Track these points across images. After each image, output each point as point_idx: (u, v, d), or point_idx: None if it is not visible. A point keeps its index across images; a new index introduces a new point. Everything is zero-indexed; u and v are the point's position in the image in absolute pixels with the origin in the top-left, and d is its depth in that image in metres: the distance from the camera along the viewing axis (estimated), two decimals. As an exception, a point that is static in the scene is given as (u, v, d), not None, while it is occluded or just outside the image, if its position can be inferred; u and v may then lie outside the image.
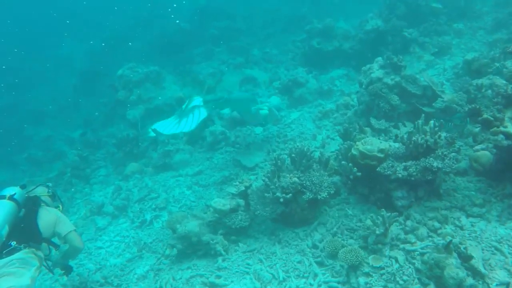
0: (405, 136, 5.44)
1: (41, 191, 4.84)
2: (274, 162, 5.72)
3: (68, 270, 4.93)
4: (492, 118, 5.13)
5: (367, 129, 6.96)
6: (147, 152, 9.93)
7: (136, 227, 7.49)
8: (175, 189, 8.23)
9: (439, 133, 5.21)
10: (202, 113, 7.55)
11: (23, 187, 4.50)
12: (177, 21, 17.59)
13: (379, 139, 6.50)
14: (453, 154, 5.14)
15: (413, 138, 5.20)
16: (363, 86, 7.78)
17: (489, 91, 7.08)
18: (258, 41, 16.03)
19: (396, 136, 6.18)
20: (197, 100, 7.85)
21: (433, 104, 7.32)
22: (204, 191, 7.83)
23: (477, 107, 5.27)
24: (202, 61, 14.50)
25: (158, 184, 8.66)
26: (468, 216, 5.08)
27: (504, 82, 6.69)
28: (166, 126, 7.67)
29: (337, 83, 11.02)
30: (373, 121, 7.01)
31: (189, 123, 7.40)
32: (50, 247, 4.41)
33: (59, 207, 4.95)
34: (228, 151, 9.04)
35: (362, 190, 5.89)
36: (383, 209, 4.94)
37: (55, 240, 4.52)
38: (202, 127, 9.72)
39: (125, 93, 11.52)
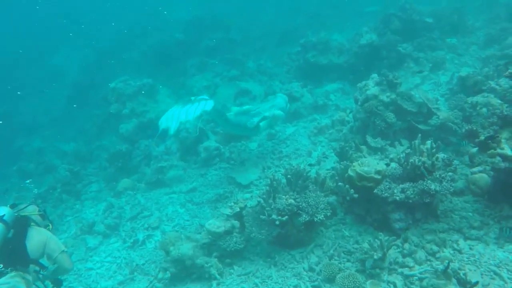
0: (402, 157, 5.38)
1: (31, 210, 4.64)
2: (269, 183, 5.64)
3: (58, 284, 4.79)
4: (489, 141, 5.09)
5: (363, 147, 6.91)
6: (139, 167, 9.79)
7: (128, 247, 7.34)
8: (168, 207, 8.10)
9: (437, 155, 5.16)
10: (209, 104, 7.42)
11: (13, 206, 4.38)
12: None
13: (375, 159, 6.50)
14: (450, 173, 5.10)
15: (411, 160, 5.15)
16: (359, 103, 7.73)
17: (484, 109, 7.07)
18: (253, 52, 16.01)
19: (392, 159, 6.15)
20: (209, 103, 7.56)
21: (429, 121, 7.29)
22: (198, 209, 7.71)
23: (474, 128, 5.24)
24: (197, 73, 14.39)
25: (151, 201, 8.53)
26: (466, 238, 5.03)
27: (499, 101, 6.69)
28: (171, 116, 7.52)
29: (332, 97, 10.99)
30: (369, 139, 6.96)
31: (192, 110, 7.31)
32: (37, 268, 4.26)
33: (49, 226, 4.76)
34: (222, 167, 8.94)
35: (358, 210, 5.82)
36: (381, 233, 4.88)
37: (43, 261, 4.36)
38: (196, 142, 9.63)
39: (117, 107, 11.39)
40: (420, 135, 5.84)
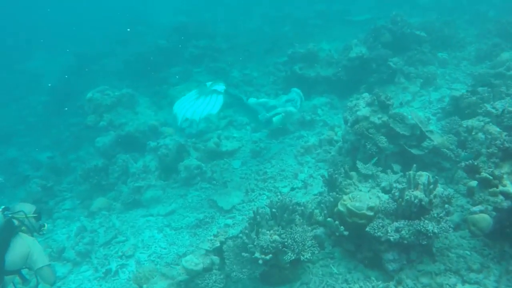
0: (397, 191, 4.97)
1: (27, 211, 4.39)
2: (252, 216, 5.17)
3: None
4: (491, 177, 4.72)
5: (353, 173, 6.49)
6: (116, 184, 9.20)
7: (100, 277, 6.76)
8: (145, 232, 7.56)
9: (434, 192, 4.76)
10: (219, 100, 7.31)
11: (5, 210, 4.18)
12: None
13: (367, 188, 6.10)
14: (445, 205, 4.73)
15: (406, 197, 4.74)
16: (349, 124, 7.31)
17: (480, 134, 6.76)
18: (239, 61, 15.50)
19: (384, 188, 5.77)
20: (220, 86, 7.55)
21: (422, 144, 6.93)
22: (177, 235, 7.19)
23: (475, 163, 4.86)
24: (180, 82, 13.84)
25: (126, 224, 7.97)
26: (464, 282, 4.64)
27: (498, 129, 6.36)
28: (185, 105, 7.41)
29: (320, 112, 10.58)
30: (359, 165, 6.53)
31: (200, 109, 7.17)
32: None
33: (44, 227, 4.62)
34: (203, 187, 8.44)
35: (348, 246, 5.40)
36: (373, 274, 4.48)
37: (25, 272, 4.19)
38: (177, 159, 9.13)
39: (94, 118, 10.77)
40: (415, 165, 5.47)
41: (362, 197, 5.08)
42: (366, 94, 7.49)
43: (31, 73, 20.66)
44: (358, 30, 15.75)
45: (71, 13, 26.85)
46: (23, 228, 4.29)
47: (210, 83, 7.66)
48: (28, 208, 4.49)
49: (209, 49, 15.77)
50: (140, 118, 11.00)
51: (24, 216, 4.31)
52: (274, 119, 8.18)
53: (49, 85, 16.96)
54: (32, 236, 4.39)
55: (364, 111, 7.14)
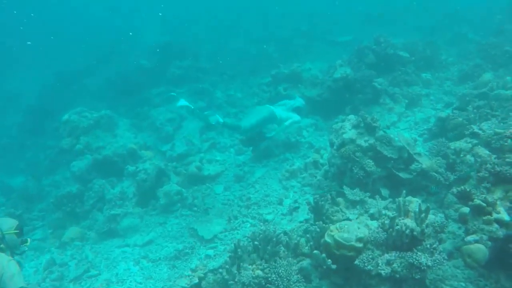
0: (387, 221, 4.68)
1: (8, 227, 4.10)
2: (233, 249, 4.82)
3: None
4: (484, 204, 4.47)
5: (340, 200, 6.20)
6: (91, 212, 8.70)
7: (67, 319, 6.29)
8: (120, 264, 7.07)
9: (426, 221, 4.48)
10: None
11: None
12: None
13: (355, 215, 5.81)
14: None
15: (397, 227, 4.45)
16: (334, 147, 7.06)
17: (469, 156, 6.56)
18: (222, 82, 15.28)
19: (372, 215, 5.49)
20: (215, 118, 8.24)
21: (410, 167, 6.70)
22: (154, 268, 6.74)
23: (467, 190, 4.61)
24: (162, 103, 13.49)
25: (100, 256, 7.46)
26: (460, 319, 4.34)
27: (487, 152, 6.16)
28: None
29: (305, 133, 10.33)
30: (346, 190, 6.25)
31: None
32: None
33: (26, 242, 4.30)
34: (184, 214, 8.04)
35: (336, 279, 5.05)
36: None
37: None
38: (156, 184, 8.74)
39: (70, 141, 10.29)
40: (404, 191, 5.21)
41: (350, 227, 4.77)
42: (352, 116, 7.26)
43: (8, 93, 20.03)
44: (341, 50, 15.75)
45: (52, 31, 26.37)
46: (1, 246, 3.94)
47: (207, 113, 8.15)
48: (8, 224, 4.17)
49: (192, 69, 15.50)
50: (119, 141, 10.59)
51: (9, 228, 4.06)
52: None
53: (27, 104, 16.44)
54: (13, 253, 4.06)
55: (350, 133, 6.90)
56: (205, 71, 15.72)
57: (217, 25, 23.13)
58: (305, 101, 10.97)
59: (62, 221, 8.62)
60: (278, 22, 22.19)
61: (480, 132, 6.97)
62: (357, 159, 6.58)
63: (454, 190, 4.79)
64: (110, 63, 18.80)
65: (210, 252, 6.62)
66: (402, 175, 6.55)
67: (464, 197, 4.65)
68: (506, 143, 6.14)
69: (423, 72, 11.74)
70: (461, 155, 6.67)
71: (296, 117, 9.36)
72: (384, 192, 6.47)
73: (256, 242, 4.84)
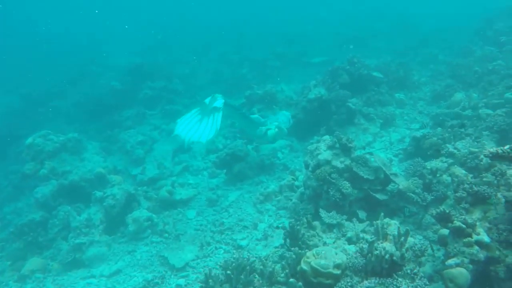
0: (365, 246, 4.47)
1: None
2: (204, 279, 4.50)
3: None
4: (464, 226, 4.31)
5: (317, 223, 5.97)
6: (55, 241, 8.16)
7: None
8: (84, 298, 6.62)
9: (406, 245, 4.29)
10: (216, 120, 7.65)
11: None
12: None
13: (332, 240, 5.59)
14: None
15: (375, 252, 4.23)
16: (310, 169, 6.87)
17: (445, 176, 6.47)
18: (196, 103, 15.02)
19: (350, 239, 5.28)
20: (219, 101, 7.82)
21: (387, 188, 6.56)
22: (121, 301, 6.32)
23: (447, 211, 4.45)
24: (133, 125, 13.15)
25: (62, 289, 6.98)
26: None
27: (463, 171, 6.07)
28: (187, 125, 7.92)
29: (280, 155, 10.14)
30: (323, 213, 6.03)
31: (207, 130, 7.61)
32: None
33: None
34: (154, 241, 7.63)
35: (314, 309, 4.79)
36: None
37: None
38: (125, 210, 8.33)
39: (34, 166, 9.74)
40: (382, 214, 5.03)
41: (328, 253, 4.53)
42: (327, 137, 7.11)
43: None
44: (315, 71, 15.76)
45: (19, 51, 25.70)
46: None
47: (208, 99, 7.92)
48: None
49: (165, 90, 15.25)
50: (87, 165, 10.13)
51: None
52: (269, 132, 8.80)
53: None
54: None
55: (325, 154, 6.73)
56: (178, 93, 15.48)
57: (191, 46, 23.01)
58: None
59: (23, 252, 8.04)
60: (253, 44, 22.26)
61: (455, 151, 6.92)
62: (333, 180, 6.39)
63: (433, 212, 4.62)
64: (81, 84, 18.32)
65: (181, 281, 6.23)
66: (379, 196, 6.40)
67: (444, 219, 4.48)
68: (481, 162, 6.09)
69: (396, 92, 11.81)
70: (438, 175, 6.58)
71: (283, 125, 9.30)
72: (361, 214, 6.29)
73: (228, 272, 4.53)
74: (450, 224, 4.41)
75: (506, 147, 3.77)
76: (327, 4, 31.36)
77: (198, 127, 7.80)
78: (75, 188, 9.29)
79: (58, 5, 38.43)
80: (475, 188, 4.90)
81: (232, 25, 27.62)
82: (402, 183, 6.39)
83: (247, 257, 4.66)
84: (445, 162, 6.84)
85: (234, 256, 4.66)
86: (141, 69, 16.91)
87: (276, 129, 8.95)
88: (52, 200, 9.14)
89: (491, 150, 3.86)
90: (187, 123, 7.98)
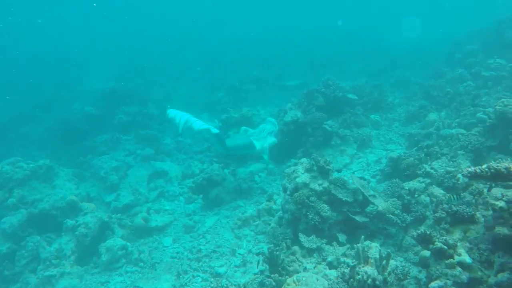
0: (347, 271, 4.36)
1: None
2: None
3: None
4: (445, 247, 4.26)
5: (296, 248, 5.85)
6: (23, 274, 7.74)
7: None
8: (53, 334, 6.25)
9: (388, 268, 4.21)
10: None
11: None
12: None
13: (312, 265, 5.46)
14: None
15: (358, 277, 4.13)
16: (288, 192, 6.77)
17: (423, 196, 6.48)
18: (171, 128, 14.89)
19: (330, 264, 5.16)
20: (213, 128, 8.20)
21: (366, 210, 6.50)
22: (93, 337, 5.99)
23: (428, 233, 4.40)
24: (107, 151, 12.85)
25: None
26: None
27: (441, 191, 6.08)
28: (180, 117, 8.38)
29: (257, 179, 10.03)
30: (302, 238, 5.92)
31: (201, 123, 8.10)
32: None
33: None
34: (129, 271, 7.32)
35: (296, 338, 4.61)
36: None
37: None
38: (98, 239, 8.02)
39: (2, 195, 9.32)
40: (363, 237, 4.96)
41: (309, 280, 4.40)
42: (304, 160, 7.05)
43: None
44: (291, 94, 15.86)
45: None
46: None
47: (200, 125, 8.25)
48: None
49: (139, 115, 15.06)
50: (58, 193, 9.75)
51: None
52: (257, 147, 8.99)
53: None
54: None
55: (303, 177, 6.65)
56: (154, 118, 15.30)
57: (166, 70, 22.92)
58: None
59: (-14, 287, 7.63)
60: (228, 68, 22.36)
61: (432, 171, 6.96)
62: (312, 204, 6.30)
63: (414, 233, 4.57)
64: (53, 109, 17.96)
65: (156, 314, 5.99)
66: (358, 218, 6.32)
67: (425, 240, 4.42)
68: (458, 182, 6.11)
69: (371, 114, 11.93)
70: (416, 195, 6.58)
71: (271, 139, 9.56)
72: (341, 237, 6.20)
73: (205, 303, 4.34)
74: (431, 246, 4.36)
75: (484, 166, 3.77)
76: (300, 28, 31.91)
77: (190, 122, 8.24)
78: (46, 217, 8.90)
79: (32, 29, 38.09)
80: (454, 208, 4.90)
81: (207, 49, 27.76)
82: (381, 204, 6.34)
83: (225, 285, 4.46)
84: (423, 182, 6.87)
85: (212, 285, 4.45)
86: (116, 93, 16.69)
87: (263, 141, 9.27)
88: (21, 231, 8.72)
89: (469, 170, 3.85)
90: (180, 116, 8.44)
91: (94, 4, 36.03)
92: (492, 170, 3.68)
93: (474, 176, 3.83)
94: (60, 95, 19.51)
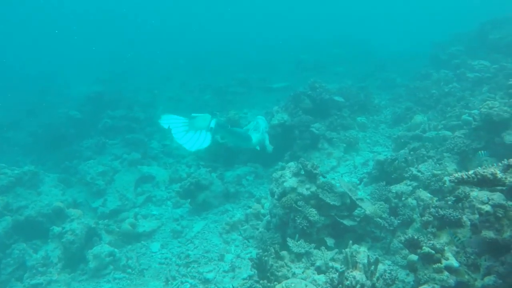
0: (335, 276, 4.37)
1: None
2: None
3: None
4: (433, 252, 4.29)
5: (285, 253, 5.83)
6: (9, 282, 7.62)
7: None
8: None
9: (376, 274, 4.23)
10: (207, 140, 7.98)
11: None
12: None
13: (302, 272, 5.46)
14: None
15: (346, 283, 4.14)
16: (275, 197, 6.76)
17: (410, 200, 6.52)
18: (158, 131, 14.77)
19: (319, 268, 5.17)
20: (212, 122, 8.45)
21: (353, 213, 6.52)
22: None
23: (415, 237, 4.43)
24: (93, 155, 12.70)
25: (16, 336, 6.48)
26: None
27: (428, 195, 6.13)
28: (174, 127, 8.43)
29: (244, 182, 10.01)
30: (290, 243, 5.91)
31: (194, 142, 7.95)
32: None
33: None
34: (117, 278, 7.23)
35: None
36: None
37: None
38: (85, 246, 7.92)
39: (-14, 202, 9.24)
40: (351, 242, 4.99)
41: (297, 286, 4.40)
42: (292, 164, 7.05)
43: None
44: (277, 96, 15.86)
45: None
46: None
47: (196, 114, 8.77)
48: None
49: (125, 119, 14.92)
50: (44, 199, 9.64)
51: None
52: (254, 139, 9.33)
53: None
54: None
55: (291, 182, 6.65)
56: (140, 121, 15.18)
57: (152, 73, 22.78)
58: (244, 149, 10.84)
59: (-30, 298, 7.48)
60: (215, 71, 22.35)
61: (419, 174, 7.02)
62: (300, 208, 6.30)
63: (402, 238, 4.59)
64: (38, 114, 17.71)
65: (145, 321, 5.93)
66: (346, 222, 6.34)
67: (412, 245, 4.45)
68: (445, 185, 6.17)
69: (358, 116, 12.02)
70: (403, 198, 6.63)
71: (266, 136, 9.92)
72: (329, 241, 6.21)
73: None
74: (419, 250, 4.38)
75: (471, 172, 3.81)
76: (285, 30, 32.10)
77: (184, 135, 8.20)
78: (32, 224, 8.75)
79: (17, 32, 37.60)
80: (441, 212, 4.94)
81: (193, 52, 27.70)
82: (368, 208, 6.38)
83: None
84: (410, 185, 6.93)
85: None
86: (101, 97, 16.58)
87: (259, 134, 9.57)
88: (6, 238, 8.56)
89: (456, 176, 3.89)
90: (174, 125, 8.50)
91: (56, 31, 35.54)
92: (479, 176, 3.72)
93: (461, 182, 3.87)
94: (45, 100, 19.25)
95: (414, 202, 6.35)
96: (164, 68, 24.09)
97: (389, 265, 5.66)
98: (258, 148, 9.60)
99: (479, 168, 3.85)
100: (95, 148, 13.08)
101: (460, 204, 5.01)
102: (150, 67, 24.33)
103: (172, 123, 8.62)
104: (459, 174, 3.88)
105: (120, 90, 18.80)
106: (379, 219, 6.18)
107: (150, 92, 19.29)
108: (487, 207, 4.23)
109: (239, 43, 30.00)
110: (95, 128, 14.61)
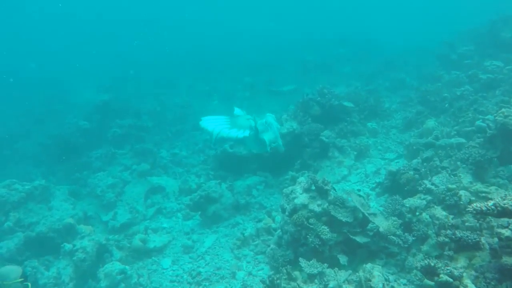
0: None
1: (15, 275, 5.04)
2: None
3: None
4: (451, 280, 4.17)
5: (297, 273, 5.75)
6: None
7: None
8: None
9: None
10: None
11: None
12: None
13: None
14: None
15: (362, 312, 4.03)
16: (286, 213, 6.66)
17: (424, 214, 6.36)
18: (167, 140, 14.77)
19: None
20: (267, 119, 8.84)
21: (366, 229, 6.39)
22: None
23: (432, 264, 4.30)
24: (103, 166, 12.69)
25: None
26: None
27: (444, 212, 5.97)
28: (216, 124, 8.63)
29: (255, 193, 9.92)
30: (302, 263, 5.81)
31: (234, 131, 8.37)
32: None
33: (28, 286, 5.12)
34: (128, 297, 7.23)
35: None
36: None
37: None
38: (97, 263, 7.90)
39: (-2, 219, 9.26)
40: (365, 266, 4.87)
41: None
42: (302, 179, 6.95)
43: None
44: (284, 100, 15.76)
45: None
46: None
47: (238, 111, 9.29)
48: (15, 273, 5.09)
49: (134, 128, 14.91)
50: (55, 214, 9.65)
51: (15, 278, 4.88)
52: (266, 140, 8.76)
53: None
54: None
55: (302, 198, 6.55)
56: (148, 130, 15.18)
57: (159, 79, 22.72)
58: (253, 156, 10.70)
59: (-17, 316, 7.49)
60: (221, 74, 22.26)
61: (433, 188, 6.85)
62: (311, 226, 6.20)
63: (418, 265, 4.47)
64: (46, 123, 17.79)
65: None
66: (359, 239, 6.21)
67: (429, 272, 4.33)
68: (460, 201, 6.01)
69: (368, 121, 11.83)
70: (417, 213, 6.47)
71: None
72: (342, 259, 6.08)
73: None
74: (436, 278, 4.26)
75: (490, 204, 3.68)
76: (290, 31, 31.88)
77: (229, 130, 8.45)
78: (43, 240, 8.76)
79: (24, 40, 37.81)
80: (458, 234, 4.81)
81: (199, 54, 27.58)
82: (382, 224, 6.24)
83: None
84: (424, 199, 6.76)
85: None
86: (109, 106, 16.57)
87: (271, 133, 8.99)
88: (18, 255, 8.59)
89: (475, 206, 3.76)
90: (215, 123, 8.68)
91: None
92: (499, 208, 3.59)
93: (479, 213, 3.74)
94: (53, 109, 19.31)
95: (429, 217, 6.19)
96: (169, 71, 23.99)
97: (404, 284, 5.53)
98: (269, 150, 9.25)
99: (499, 199, 3.70)
100: (105, 159, 13.08)
101: (477, 224, 4.87)
102: (155, 71, 24.23)
103: (214, 122, 8.83)
104: (478, 205, 3.75)
105: (127, 97, 18.81)
106: (393, 237, 6.04)
107: (156, 98, 19.21)
108: (507, 232, 4.10)
109: (244, 44, 29.86)
110: (103, 138, 14.61)
